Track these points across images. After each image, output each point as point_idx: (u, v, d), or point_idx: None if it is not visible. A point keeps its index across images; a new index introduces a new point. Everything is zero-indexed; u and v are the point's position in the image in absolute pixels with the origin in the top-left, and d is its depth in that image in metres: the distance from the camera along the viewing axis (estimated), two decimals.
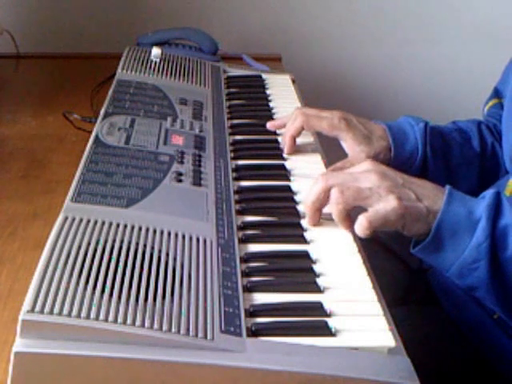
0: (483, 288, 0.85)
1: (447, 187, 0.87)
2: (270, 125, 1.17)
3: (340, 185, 0.87)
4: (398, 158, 1.11)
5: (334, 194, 0.86)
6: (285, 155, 1.11)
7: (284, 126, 1.14)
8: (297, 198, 0.98)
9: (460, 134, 1.18)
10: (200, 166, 1.00)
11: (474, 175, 1.17)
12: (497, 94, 1.24)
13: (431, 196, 0.86)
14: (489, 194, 0.86)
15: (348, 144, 1.09)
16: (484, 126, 1.20)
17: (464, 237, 0.83)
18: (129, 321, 0.66)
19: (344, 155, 1.11)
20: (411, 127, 1.14)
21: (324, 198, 0.88)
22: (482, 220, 0.83)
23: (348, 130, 1.09)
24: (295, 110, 1.13)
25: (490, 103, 1.25)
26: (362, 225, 0.84)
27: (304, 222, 0.92)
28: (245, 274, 0.81)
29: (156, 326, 0.67)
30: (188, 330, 0.68)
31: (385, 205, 0.84)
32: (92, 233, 0.78)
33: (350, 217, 0.88)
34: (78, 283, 0.70)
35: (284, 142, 1.11)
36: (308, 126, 1.10)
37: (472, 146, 1.17)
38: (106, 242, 0.77)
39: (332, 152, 1.14)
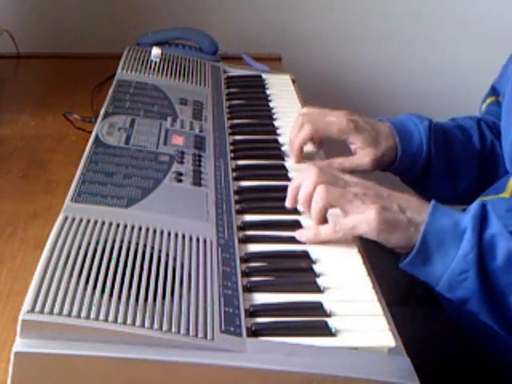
0: (474, 300, 0.85)
1: (432, 201, 0.87)
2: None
3: (328, 183, 0.88)
4: (404, 157, 1.11)
5: (319, 190, 0.87)
6: (285, 155, 1.11)
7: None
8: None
9: (461, 132, 1.18)
10: (200, 165, 1.00)
11: (474, 172, 1.17)
12: (494, 91, 1.24)
13: (415, 208, 0.86)
14: (474, 205, 0.86)
15: (356, 146, 1.09)
16: (483, 124, 1.20)
17: (451, 248, 0.83)
18: (129, 321, 0.66)
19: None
20: (415, 125, 1.14)
21: (312, 194, 0.89)
22: (468, 230, 0.83)
23: (356, 132, 1.08)
24: (300, 117, 1.11)
25: (488, 101, 1.25)
26: (332, 233, 0.86)
27: (304, 222, 0.92)
28: (245, 274, 0.81)
29: (156, 326, 0.67)
30: (188, 330, 0.68)
31: (360, 217, 0.85)
32: (92, 233, 0.78)
33: (325, 219, 0.89)
34: (78, 283, 0.70)
35: (292, 151, 1.09)
36: (317, 134, 1.08)
37: (473, 144, 1.17)
38: (106, 241, 0.77)
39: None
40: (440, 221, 0.84)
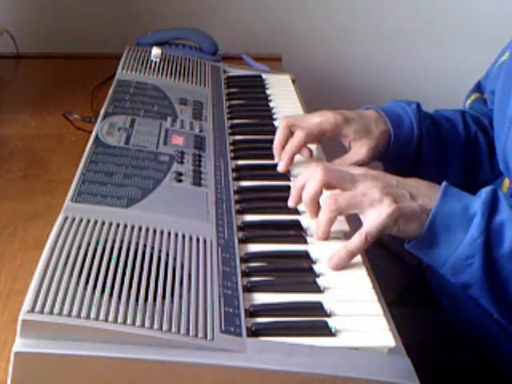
0: (477, 285, 0.84)
1: (443, 183, 0.86)
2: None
3: (335, 181, 0.87)
4: (397, 141, 1.10)
5: (328, 200, 0.85)
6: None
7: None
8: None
9: (447, 121, 1.17)
10: (200, 165, 1.00)
11: (460, 162, 1.16)
12: (478, 88, 1.24)
13: (426, 194, 0.85)
14: (485, 190, 0.85)
15: (349, 139, 1.07)
16: (468, 116, 1.20)
17: (458, 232, 0.83)
18: (129, 321, 0.66)
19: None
20: (403, 109, 1.13)
21: (319, 193, 0.88)
22: (477, 215, 0.82)
23: (347, 123, 1.07)
24: (284, 121, 1.08)
25: (472, 97, 1.24)
26: (361, 241, 0.83)
27: (304, 222, 0.92)
28: (245, 274, 0.81)
29: (156, 326, 0.67)
30: (188, 330, 0.68)
31: (379, 211, 0.83)
32: (92, 233, 0.78)
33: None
34: (78, 283, 0.70)
35: (283, 158, 1.05)
36: (310, 138, 1.06)
37: (458, 133, 1.17)
38: (106, 241, 0.77)
39: (332, 151, 1.13)
40: (450, 205, 0.84)
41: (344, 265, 0.83)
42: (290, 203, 0.92)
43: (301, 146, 1.06)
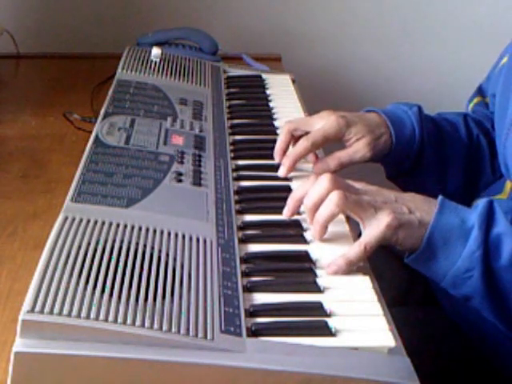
0: (478, 297, 0.85)
1: (439, 197, 0.86)
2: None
3: (345, 190, 0.86)
4: (399, 143, 1.09)
5: (337, 195, 0.84)
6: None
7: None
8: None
9: (449, 124, 1.17)
10: (200, 165, 1.00)
11: (461, 165, 1.16)
12: (480, 92, 1.24)
13: (423, 208, 0.86)
14: (482, 202, 0.86)
15: (351, 141, 1.06)
16: (470, 119, 1.20)
17: (457, 246, 0.83)
18: (129, 321, 0.66)
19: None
20: (404, 112, 1.12)
21: (324, 200, 0.87)
22: (475, 228, 0.83)
23: (349, 126, 1.06)
24: (286, 125, 1.08)
25: (475, 101, 1.24)
26: (360, 251, 0.83)
27: (304, 222, 0.92)
28: (245, 274, 0.81)
29: (156, 326, 0.67)
30: (188, 330, 0.68)
31: (378, 223, 0.83)
32: (92, 233, 0.78)
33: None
34: (78, 283, 0.70)
35: (285, 163, 1.04)
36: (316, 147, 1.05)
37: (460, 136, 1.17)
38: (106, 241, 0.77)
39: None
40: (447, 218, 0.84)
41: (342, 273, 0.83)
42: (286, 214, 0.91)
43: (304, 156, 1.05)
